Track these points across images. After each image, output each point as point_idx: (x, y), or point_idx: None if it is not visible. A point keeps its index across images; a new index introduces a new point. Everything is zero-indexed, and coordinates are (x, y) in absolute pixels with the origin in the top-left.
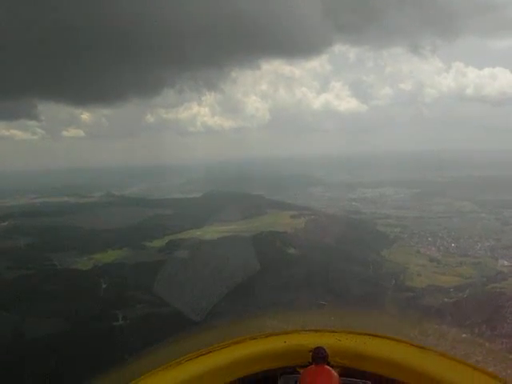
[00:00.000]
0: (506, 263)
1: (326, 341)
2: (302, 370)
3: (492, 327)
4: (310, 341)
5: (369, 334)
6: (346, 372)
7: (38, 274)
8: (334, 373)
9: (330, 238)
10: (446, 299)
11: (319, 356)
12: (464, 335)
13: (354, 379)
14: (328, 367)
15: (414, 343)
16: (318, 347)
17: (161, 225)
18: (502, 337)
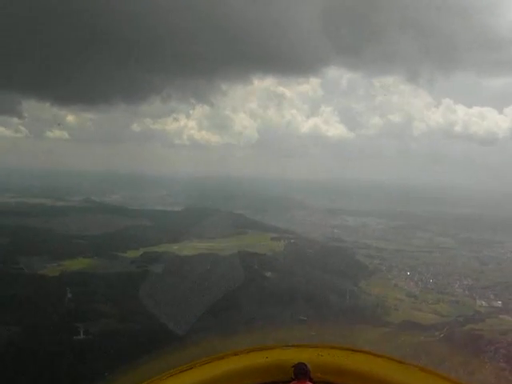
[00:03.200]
0: (484, 304)
1: (308, 356)
2: None
3: (470, 372)
4: (291, 356)
5: (350, 349)
6: None
7: (1, 277)
8: None
9: (308, 263)
10: (422, 337)
11: (301, 372)
12: None
13: None
14: (309, 383)
15: (395, 357)
16: (299, 363)
17: (137, 236)
18: (480, 383)
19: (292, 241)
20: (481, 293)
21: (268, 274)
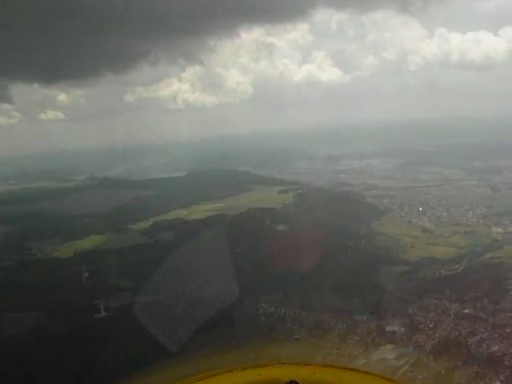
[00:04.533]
0: (499, 230)
1: (301, 374)
2: None
3: (494, 301)
4: (284, 374)
5: (343, 368)
6: None
7: (15, 264)
8: None
9: (318, 211)
10: (442, 271)
11: None
12: (466, 311)
13: None
14: None
15: (385, 376)
16: (291, 381)
17: (145, 206)
18: (506, 311)
19: (300, 191)
20: (495, 220)
21: (280, 227)
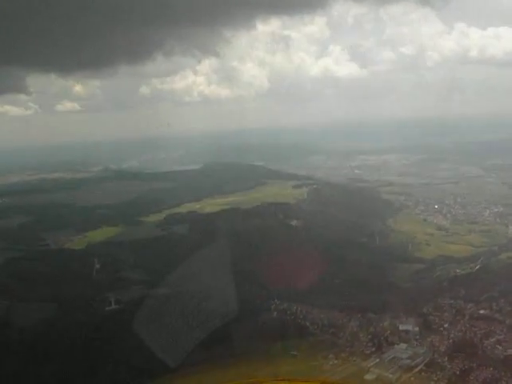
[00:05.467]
0: None
1: None
2: None
3: (511, 302)
4: None
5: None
6: None
7: (28, 254)
8: None
9: (333, 207)
10: (458, 270)
11: None
12: (482, 311)
13: None
14: None
15: None
16: None
17: (159, 199)
18: None
19: (314, 186)
20: None
21: (293, 222)
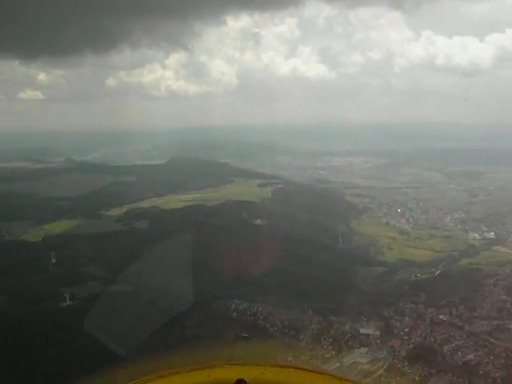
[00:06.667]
0: (476, 236)
1: (251, 374)
2: None
3: (470, 308)
4: (233, 375)
5: (294, 367)
6: None
7: None
8: None
9: (297, 207)
10: (419, 275)
11: None
12: (442, 316)
13: None
14: None
15: (335, 376)
16: (238, 379)
17: (121, 192)
18: (482, 319)
19: (279, 186)
20: (473, 225)
21: (257, 221)
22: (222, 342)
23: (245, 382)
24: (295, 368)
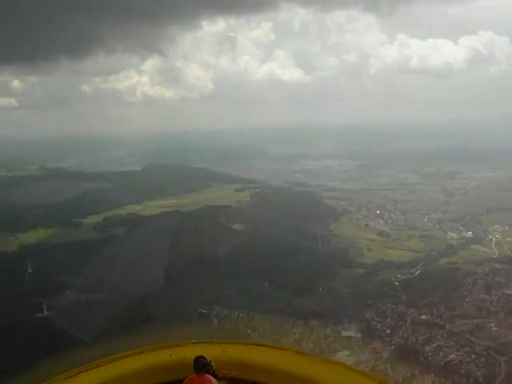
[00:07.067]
0: (454, 236)
1: (213, 352)
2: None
3: (451, 307)
4: (196, 353)
5: (256, 344)
6: (233, 383)
7: None
8: (214, 380)
9: (275, 211)
10: (399, 275)
11: (199, 365)
12: (423, 317)
13: None
14: (208, 375)
15: (299, 351)
16: (197, 356)
17: (98, 200)
18: (462, 318)
19: (257, 190)
20: (450, 225)
21: (236, 226)
22: None
23: (204, 358)
24: (257, 345)
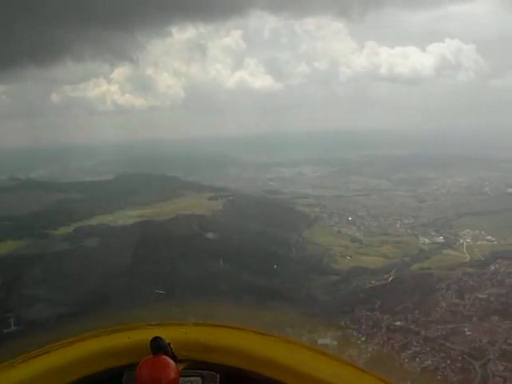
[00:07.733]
0: (426, 241)
1: (172, 334)
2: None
3: (425, 313)
4: (154, 335)
5: (215, 325)
6: (193, 365)
7: None
8: (171, 361)
9: (249, 219)
10: (373, 282)
11: (156, 346)
12: (398, 323)
13: (200, 371)
14: (165, 356)
15: (258, 331)
16: (154, 337)
17: (68, 210)
18: (437, 323)
19: (230, 198)
20: (422, 230)
21: (209, 234)
22: None
23: (161, 340)
24: (217, 326)
